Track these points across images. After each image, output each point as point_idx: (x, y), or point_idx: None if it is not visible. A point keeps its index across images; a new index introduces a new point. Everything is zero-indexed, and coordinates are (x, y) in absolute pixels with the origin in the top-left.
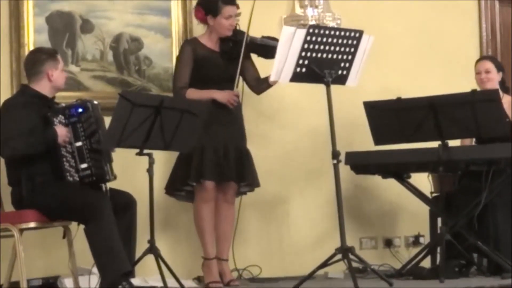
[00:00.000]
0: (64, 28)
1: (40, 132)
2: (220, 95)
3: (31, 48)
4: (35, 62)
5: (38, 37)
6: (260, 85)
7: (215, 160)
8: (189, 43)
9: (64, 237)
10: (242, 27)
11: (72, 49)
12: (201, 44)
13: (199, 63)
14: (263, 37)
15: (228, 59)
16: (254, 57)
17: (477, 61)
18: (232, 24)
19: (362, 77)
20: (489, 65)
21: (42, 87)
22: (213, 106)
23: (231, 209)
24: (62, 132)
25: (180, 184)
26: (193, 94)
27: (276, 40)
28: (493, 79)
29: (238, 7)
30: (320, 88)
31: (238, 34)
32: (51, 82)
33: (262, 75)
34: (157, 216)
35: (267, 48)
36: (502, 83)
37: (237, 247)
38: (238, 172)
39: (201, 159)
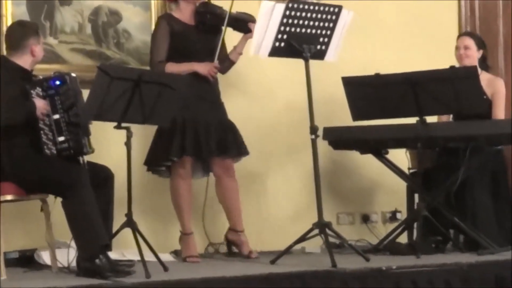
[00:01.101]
0: None
1: (19, 104)
2: (201, 67)
3: (9, 19)
4: (20, 36)
5: (16, 8)
6: (225, 63)
7: (197, 136)
8: (164, 18)
9: (42, 210)
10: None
11: (50, 21)
12: (176, 19)
13: (176, 37)
14: (237, 12)
15: (205, 31)
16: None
17: (458, 37)
18: None
19: (342, 52)
20: (468, 41)
21: (24, 61)
22: (193, 79)
23: (233, 181)
24: (40, 104)
25: (161, 160)
26: (172, 67)
27: (249, 15)
28: (472, 56)
29: None
30: (299, 62)
31: (214, 6)
32: (33, 57)
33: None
34: (135, 190)
35: (243, 23)
36: (482, 60)
37: (216, 221)
38: (222, 145)
39: (183, 135)
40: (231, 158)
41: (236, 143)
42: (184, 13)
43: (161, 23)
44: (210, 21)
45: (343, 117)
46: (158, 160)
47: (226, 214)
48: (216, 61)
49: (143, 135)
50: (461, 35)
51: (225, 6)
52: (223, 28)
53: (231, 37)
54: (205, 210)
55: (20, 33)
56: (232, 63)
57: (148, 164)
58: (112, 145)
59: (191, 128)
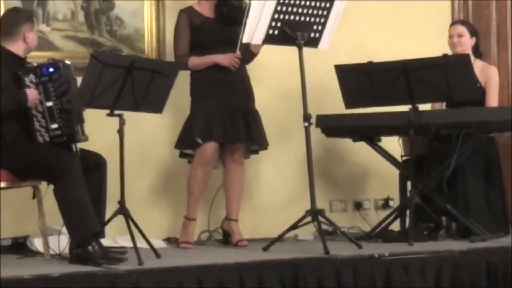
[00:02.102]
0: None
1: (11, 92)
2: (222, 59)
3: (2, 6)
4: (14, 22)
5: None
6: (246, 54)
7: (221, 123)
8: (184, 12)
9: (34, 198)
10: None
11: (43, 9)
12: (196, 12)
13: (196, 30)
14: None
15: (224, 23)
16: None
17: (451, 25)
18: None
19: (334, 39)
20: (462, 29)
21: (16, 47)
22: (215, 70)
23: (239, 169)
24: (32, 95)
25: (186, 145)
26: (195, 61)
27: None
28: (465, 43)
29: None
30: (292, 50)
31: None
32: (26, 44)
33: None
34: (128, 177)
35: None
36: (475, 48)
37: (207, 208)
38: (246, 133)
39: (208, 122)
40: (250, 148)
41: (260, 134)
42: (205, 6)
43: (181, 16)
44: (229, 14)
45: (335, 105)
46: (183, 144)
47: (226, 201)
48: (238, 52)
49: (138, 122)
50: (454, 23)
51: None
52: (244, 20)
53: None
54: (216, 197)
55: (13, 19)
56: (253, 54)
57: (176, 146)
58: (106, 133)
59: (215, 115)
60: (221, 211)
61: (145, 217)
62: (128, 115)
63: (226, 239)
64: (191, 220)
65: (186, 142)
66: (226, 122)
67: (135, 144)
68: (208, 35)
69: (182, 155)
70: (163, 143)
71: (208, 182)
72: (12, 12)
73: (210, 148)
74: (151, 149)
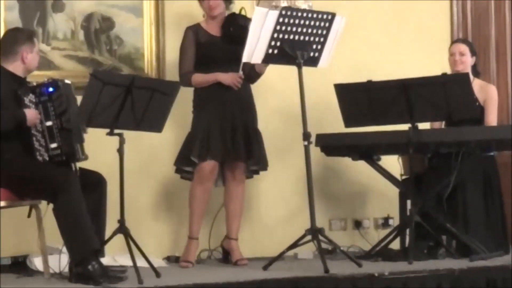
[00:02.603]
0: (35, 6)
1: (10, 110)
2: (225, 78)
3: (2, 25)
4: (13, 41)
5: (9, 14)
6: (250, 73)
7: (222, 141)
8: (191, 29)
9: (29, 216)
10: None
11: (43, 28)
12: (202, 30)
13: (201, 47)
14: None
15: (229, 42)
16: None
17: (452, 43)
18: (212, 5)
19: (333, 57)
20: (463, 48)
21: (14, 67)
22: (219, 87)
23: (239, 186)
24: (31, 114)
25: (185, 163)
26: (199, 78)
27: None
28: (466, 62)
29: None
30: (292, 68)
31: (239, 18)
32: (24, 64)
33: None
34: (128, 196)
35: None
36: (473, 67)
37: (209, 227)
38: (247, 151)
39: (207, 139)
40: (247, 166)
41: (261, 153)
42: (212, 24)
43: (187, 33)
44: (234, 33)
45: (335, 123)
46: (182, 161)
47: (226, 219)
48: (240, 72)
49: (139, 139)
50: (456, 41)
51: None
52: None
53: None
54: (218, 215)
55: (13, 39)
56: (258, 74)
57: (175, 165)
58: (106, 152)
59: (216, 132)
60: (223, 229)
61: (146, 235)
62: (129, 132)
63: (226, 258)
64: (193, 239)
65: (185, 160)
66: (226, 139)
67: (135, 162)
68: (213, 52)
69: (178, 171)
70: (164, 161)
71: (210, 200)
72: (12, 32)
73: (207, 166)
74: (152, 167)
